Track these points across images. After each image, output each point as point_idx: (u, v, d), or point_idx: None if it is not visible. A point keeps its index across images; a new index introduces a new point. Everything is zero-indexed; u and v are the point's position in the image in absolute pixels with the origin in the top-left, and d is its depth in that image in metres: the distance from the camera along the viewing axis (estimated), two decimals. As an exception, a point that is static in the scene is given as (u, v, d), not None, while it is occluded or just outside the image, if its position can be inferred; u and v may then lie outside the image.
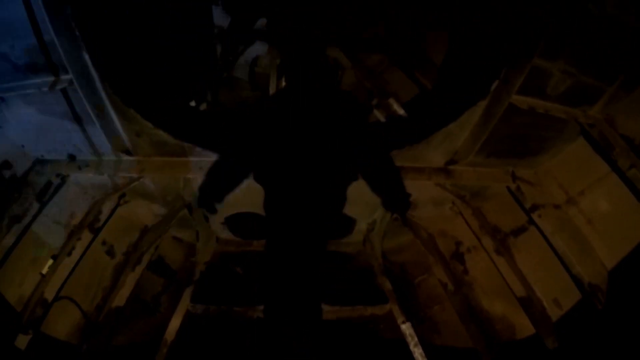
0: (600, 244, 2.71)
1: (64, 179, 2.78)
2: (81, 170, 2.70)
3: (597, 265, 2.67)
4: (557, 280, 2.79)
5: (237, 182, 2.62)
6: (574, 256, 2.71)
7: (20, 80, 2.28)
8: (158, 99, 2.49)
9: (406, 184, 2.66)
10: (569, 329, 2.72)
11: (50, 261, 2.85)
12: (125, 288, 2.97)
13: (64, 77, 2.22)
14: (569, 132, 2.77)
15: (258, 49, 3.63)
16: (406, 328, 2.87)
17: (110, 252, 3.06)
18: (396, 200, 2.83)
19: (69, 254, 2.86)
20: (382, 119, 3.43)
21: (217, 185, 2.68)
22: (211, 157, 2.55)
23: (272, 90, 3.39)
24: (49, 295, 2.78)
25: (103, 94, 2.24)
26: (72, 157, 2.72)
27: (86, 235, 2.90)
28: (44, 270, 2.83)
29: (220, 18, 3.38)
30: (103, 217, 2.97)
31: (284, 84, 3.41)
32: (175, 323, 2.91)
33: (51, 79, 2.24)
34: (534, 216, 2.84)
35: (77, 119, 2.38)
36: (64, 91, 2.24)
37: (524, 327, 2.85)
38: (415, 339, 2.85)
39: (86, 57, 2.11)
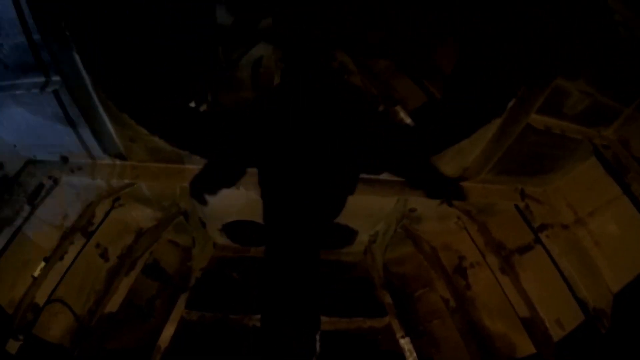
0: (607, 267, 2.63)
1: (56, 181, 2.63)
2: (73, 174, 2.55)
3: (603, 289, 2.60)
4: (561, 300, 2.72)
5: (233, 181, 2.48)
6: (580, 280, 2.63)
7: (10, 80, 2.12)
8: (154, 103, 2.33)
9: (411, 200, 2.54)
10: (571, 350, 2.67)
11: (42, 264, 2.73)
12: (118, 294, 2.86)
13: (55, 78, 2.06)
14: (581, 151, 2.66)
15: (262, 49, 3.45)
16: (405, 343, 2.80)
17: (104, 256, 2.94)
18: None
19: (62, 257, 2.73)
20: (388, 127, 3.30)
21: (212, 182, 2.55)
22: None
23: (274, 91, 3.24)
24: (41, 298, 2.67)
25: (95, 98, 2.09)
26: (64, 159, 2.57)
27: (79, 239, 2.78)
28: (36, 273, 2.70)
29: (223, 17, 3.19)
30: (97, 221, 2.83)
31: (286, 84, 3.25)
32: (169, 329, 2.82)
33: (42, 79, 2.08)
34: (542, 236, 2.75)
35: (70, 122, 2.23)
36: (55, 93, 2.09)
37: (525, 346, 2.79)
38: (414, 354, 2.78)
39: (77, 58, 1.95)
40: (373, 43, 3.68)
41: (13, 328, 2.54)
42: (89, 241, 2.85)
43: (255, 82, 3.74)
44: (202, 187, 2.44)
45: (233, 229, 2.98)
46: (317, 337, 2.36)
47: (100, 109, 2.13)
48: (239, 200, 2.58)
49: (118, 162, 2.47)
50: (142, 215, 2.93)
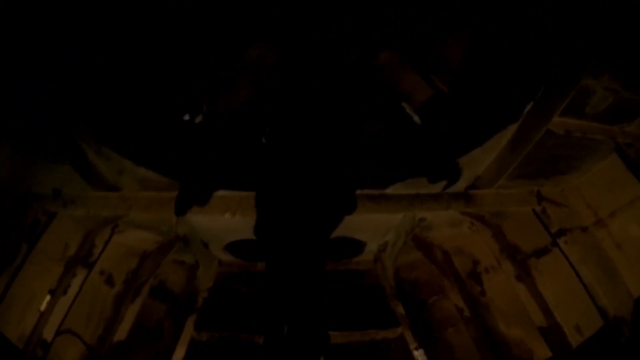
0: (628, 271, 2.47)
1: (51, 216, 2.51)
2: (66, 208, 2.42)
3: (624, 295, 2.44)
4: (580, 305, 2.58)
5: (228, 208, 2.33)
6: (600, 287, 2.48)
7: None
8: (136, 133, 2.14)
9: (421, 213, 2.36)
10: (589, 356, 2.55)
11: (48, 297, 2.66)
12: (127, 319, 2.79)
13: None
14: (602, 149, 2.44)
15: (261, 50, 3.19)
16: (419, 355, 2.70)
17: (110, 281, 2.85)
18: None
19: (67, 287, 2.66)
20: (394, 134, 3.08)
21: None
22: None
23: (273, 95, 3.02)
24: (49, 333, 2.62)
25: (74, 136, 1.92)
26: (57, 192, 2.43)
27: (81, 271, 2.68)
28: (42, 307, 2.65)
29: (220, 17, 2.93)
30: (97, 251, 2.72)
31: (285, 87, 3.03)
32: (180, 352, 2.74)
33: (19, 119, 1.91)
34: (560, 242, 2.58)
35: (52, 159, 2.07)
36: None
37: (542, 352, 2.67)
38: (429, 365, 2.69)
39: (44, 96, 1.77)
40: (375, 34, 3.40)
41: (25, 364, 2.50)
42: (92, 270, 2.76)
43: (255, 84, 3.52)
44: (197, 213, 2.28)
45: (237, 247, 2.86)
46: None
47: (82, 145, 1.97)
48: (238, 223, 2.43)
49: (110, 193, 2.32)
50: (144, 239, 2.81)
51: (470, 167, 2.27)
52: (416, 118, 3.08)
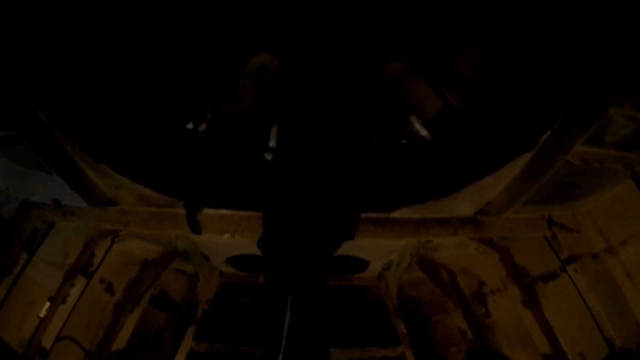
0: (638, 301, 2.37)
1: (51, 225, 2.44)
2: (66, 219, 2.35)
3: (632, 326, 2.35)
4: (586, 334, 2.49)
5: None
6: (608, 317, 2.37)
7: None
8: (133, 149, 2.05)
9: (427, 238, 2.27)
10: (594, 384, 2.47)
11: (48, 304, 2.62)
12: (126, 328, 2.74)
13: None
14: (618, 175, 2.31)
15: (264, 57, 3.07)
16: (420, 375, 2.64)
17: (110, 289, 2.80)
18: None
19: (67, 295, 2.61)
20: (401, 140, 2.96)
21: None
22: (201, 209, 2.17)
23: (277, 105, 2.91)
24: (48, 340, 2.58)
25: (68, 151, 1.83)
26: (57, 202, 2.36)
27: (81, 280, 2.63)
28: (42, 314, 2.61)
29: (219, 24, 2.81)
30: (97, 260, 2.66)
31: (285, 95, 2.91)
32: (179, 362, 2.72)
33: (12, 132, 1.83)
34: (569, 269, 2.47)
35: (50, 172, 1.99)
36: (26, 147, 1.84)
37: (546, 378, 2.60)
38: (429, 386, 2.63)
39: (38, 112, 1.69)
40: (384, 42, 3.26)
41: (25, 369, 2.47)
42: (92, 278, 2.70)
43: (258, 90, 3.40)
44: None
45: (239, 260, 2.78)
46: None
47: (77, 161, 1.88)
48: (239, 240, 2.34)
49: (109, 207, 2.25)
50: (145, 248, 2.75)
51: (480, 193, 2.16)
52: (425, 133, 2.96)
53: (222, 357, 2.78)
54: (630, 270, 2.39)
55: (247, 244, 2.48)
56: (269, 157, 2.42)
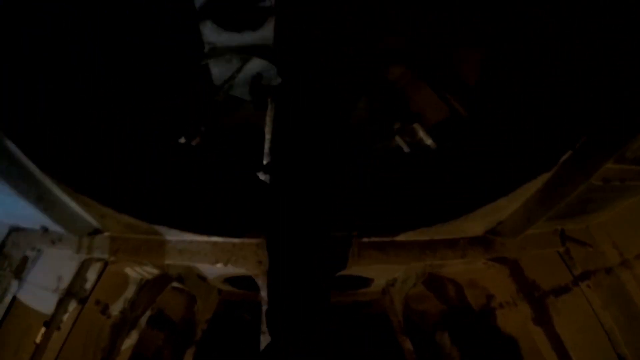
0: (651, 316, 2.24)
1: (40, 252, 2.30)
2: (55, 245, 2.21)
3: (646, 343, 2.22)
4: (598, 351, 2.37)
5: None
6: (622, 334, 2.25)
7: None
8: (116, 179, 1.89)
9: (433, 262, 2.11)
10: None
11: (43, 329, 2.50)
12: (125, 350, 2.63)
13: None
14: (637, 190, 2.14)
15: (259, 64, 2.85)
16: (427, 394, 2.53)
17: (106, 311, 2.68)
18: None
19: (61, 322, 2.49)
20: (405, 148, 2.78)
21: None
22: (191, 237, 2.02)
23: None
24: (46, 365, 2.48)
25: (47, 184, 1.67)
26: (45, 229, 2.21)
27: (76, 303, 2.50)
28: (38, 339, 2.50)
29: (211, 34, 2.59)
30: (91, 283, 2.53)
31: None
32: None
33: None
34: (582, 285, 2.32)
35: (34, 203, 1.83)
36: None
37: (556, 395, 2.49)
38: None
39: (12, 147, 1.52)
40: (386, 47, 3.03)
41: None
42: (87, 301, 2.58)
43: (255, 99, 3.20)
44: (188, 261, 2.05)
45: (237, 279, 2.64)
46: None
47: (56, 192, 1.73)
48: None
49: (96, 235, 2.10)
50: (139, 270, 2.60)
51: (492, 213, 1.99)
52: (430, 141, 2.78)
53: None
54: (645, 285, 2.24)
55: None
56: (263, 176, 2.23)
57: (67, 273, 2.50)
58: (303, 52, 2.88)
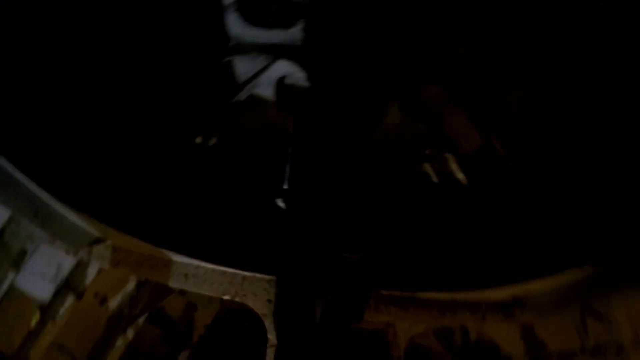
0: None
1: (38, 246, 2.18)
2: (54, 244, 2.08)
3: None
4: None
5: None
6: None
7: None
8: (118, 198, 1.73)
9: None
10: None
11: (38, 315, 2.45)
12: (119, 346, 2.59)
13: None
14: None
15: (286, 64, 2.57)
16: None
17: (104, 303, 2.60)
18: None
19: (56, 311, 2.43)
20: (434, 178, 2.58)
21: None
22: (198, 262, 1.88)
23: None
24: (39, 350, 2.44)
25: (43, 200, 1.52)
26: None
27: (73, 295, 2.42)
28: (32, 325, 2.45)
29: (236, 27, 2.31)
30: (91, 274, 2.42)
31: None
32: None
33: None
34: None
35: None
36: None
37: None
38: None
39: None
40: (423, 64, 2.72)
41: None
42: (85, 292, 2.49)
43: (279, 100, 2.93)
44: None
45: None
46: None
47: (53, 207, 1.58)
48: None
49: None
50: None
51: (521, 286, 1.83)
52: (460, 176, 2.57)
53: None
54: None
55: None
56: (282, 203, 2.04)
57: (67, 263, 2.41)
58: (336, 57, 2.60)
